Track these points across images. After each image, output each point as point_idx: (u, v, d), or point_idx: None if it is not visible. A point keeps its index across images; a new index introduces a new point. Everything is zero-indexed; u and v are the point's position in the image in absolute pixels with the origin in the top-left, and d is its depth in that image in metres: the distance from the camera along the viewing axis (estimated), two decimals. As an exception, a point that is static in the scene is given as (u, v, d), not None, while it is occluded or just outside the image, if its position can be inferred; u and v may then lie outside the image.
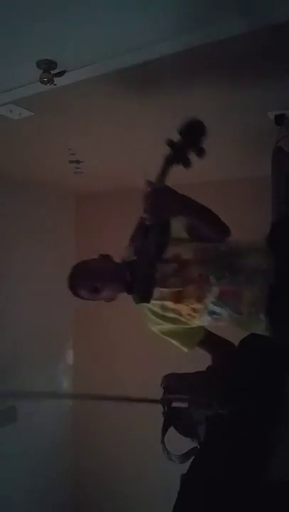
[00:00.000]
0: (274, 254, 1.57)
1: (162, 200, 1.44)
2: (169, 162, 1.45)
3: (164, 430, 2.05)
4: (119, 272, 1.58)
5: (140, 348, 3.65)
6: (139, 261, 1.54)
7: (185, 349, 1.79)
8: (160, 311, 1.66)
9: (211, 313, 1.60)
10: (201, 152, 1.47)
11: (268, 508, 1.61)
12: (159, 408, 2.09)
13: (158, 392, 2.11)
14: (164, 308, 1.65)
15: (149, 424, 2.20)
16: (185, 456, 1.99)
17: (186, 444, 2.02)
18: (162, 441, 2.02)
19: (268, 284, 1.55)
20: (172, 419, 2.06)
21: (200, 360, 1.86)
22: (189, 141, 1.47)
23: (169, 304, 1.62)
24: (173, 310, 1.63)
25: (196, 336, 1.75)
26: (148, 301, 1.52)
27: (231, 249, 1.60)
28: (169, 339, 1.77)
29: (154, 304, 1.64)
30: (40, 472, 3.84)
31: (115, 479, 3.93)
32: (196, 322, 1.67)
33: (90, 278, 1.62)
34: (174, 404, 2.06)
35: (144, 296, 1.50)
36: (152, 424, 2.12)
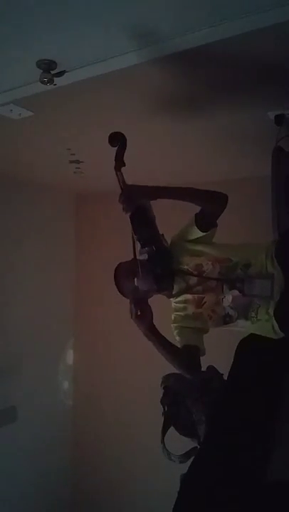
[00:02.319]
0: (284, 263, 1.69)
1: (129, 193, 1.77)
2: (116, 169, 1.82)
3: (164, 430, 2.05)
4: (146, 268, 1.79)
5: (140, 348, 3.65)
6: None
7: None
8: (182, 312, 1.86)
9: (226, 316, 1.77)
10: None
11: (267, 507, 1.61)
12: (159, 408, 2.09)
13: (158, 392, 2.12)
14: (186, 309, 1.85)
15: (149, 424, 2.21)
16: (185, 456, 1.99)
17: (186, 444, 2.03)
18: (162, 441, 2.03)
19: (279, 291, 1.66)
20: (172, 419, 2.06)
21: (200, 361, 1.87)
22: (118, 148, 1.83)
23: (192, 307, 1.83)
24: (194, 312, 1.83)
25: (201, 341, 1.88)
26: (165, 289, 1.84)
27: (242, 259, 1.74)
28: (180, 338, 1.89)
29: (179, 306, 1.87)
30: (39, 472, 3.84)
31: (115, 479, 3.93)
32: (212, 323, 1.82)
33: (126, 274, 1.84)
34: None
35: (161, 287, 1.82)
36: (152, 424, 2.13)
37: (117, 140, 1.83)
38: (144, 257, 1.80)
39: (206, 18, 1.47)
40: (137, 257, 1.80)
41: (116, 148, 1.83)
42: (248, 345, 1.90)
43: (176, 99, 2.09)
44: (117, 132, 1.83)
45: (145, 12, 1.44)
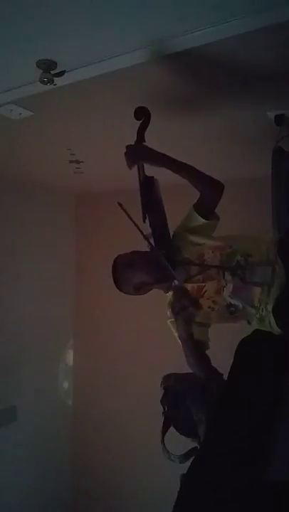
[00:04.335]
0: (287, 261, 1.69)
1: (135, 149, 1.85)
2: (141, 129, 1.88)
3: (164, 430, 2.05)
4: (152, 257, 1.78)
5: (140, 349, 3.66)
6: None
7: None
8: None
9: (230, 306, 1.75)
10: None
11: (267, 507, 1.61)
12: (159, 408, 2.09)
13: (158, 393, 2.12)
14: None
15: (149, 424, 2.20)
16: (185, 456, 1.99)
17: (186, 444, 2.03)
18: (162, 441, 2.02)
19: (279, 286, 1.66)
20: (172, 419, 2.06)
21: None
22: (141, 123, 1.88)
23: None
24: None
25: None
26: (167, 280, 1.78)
27: (242, 248, 1.74)
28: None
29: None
30: (39, 472, 3.85)
31: (115, 479, 3.94)
32: (215, 316, 1.80)
33: (125, 265, 1.84)
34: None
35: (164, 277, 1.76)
36: (152, 424, 2.12)
37: (142, 114, 1.87)
38: (151, 241, 1.79)
39: (206, 18, 1.47)
40: (149, 239, 1.78)
41: (140, 122, 1.87)
42: (248, 345, 1.90)
43: (176, 99, 2.09)
44: (143, 107, 1.87)
45: (145, 12, 1.44)
